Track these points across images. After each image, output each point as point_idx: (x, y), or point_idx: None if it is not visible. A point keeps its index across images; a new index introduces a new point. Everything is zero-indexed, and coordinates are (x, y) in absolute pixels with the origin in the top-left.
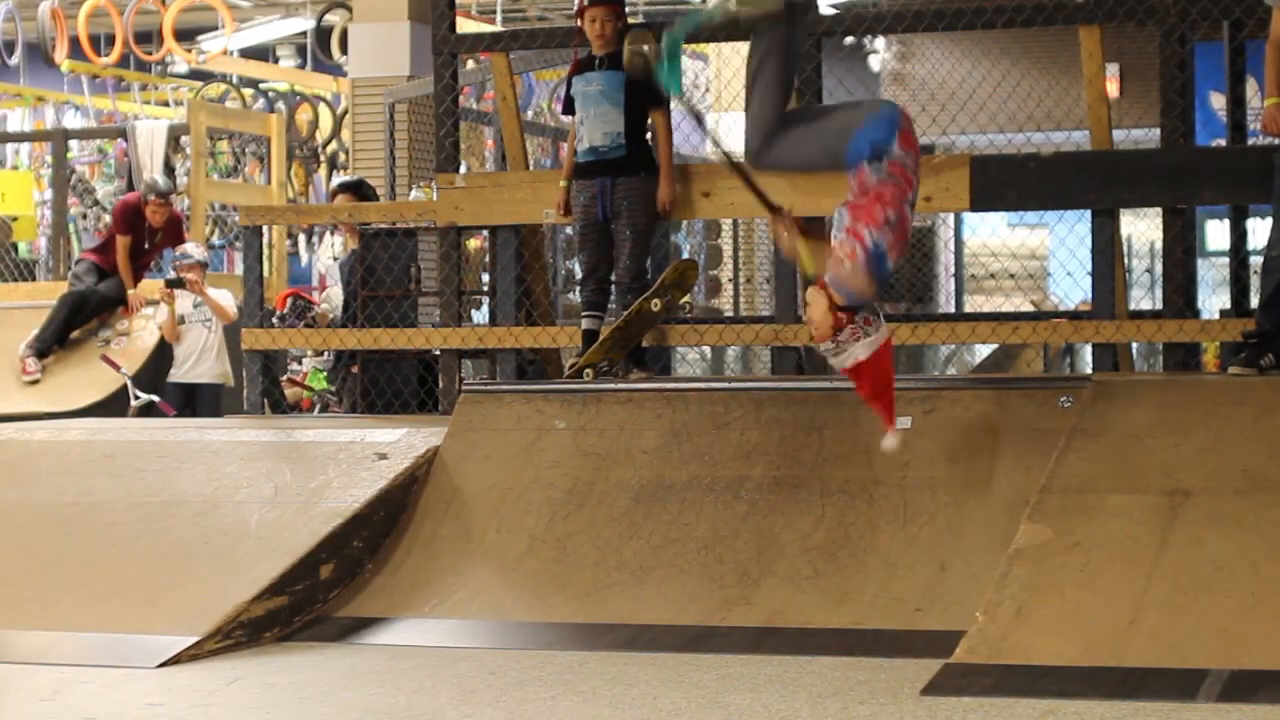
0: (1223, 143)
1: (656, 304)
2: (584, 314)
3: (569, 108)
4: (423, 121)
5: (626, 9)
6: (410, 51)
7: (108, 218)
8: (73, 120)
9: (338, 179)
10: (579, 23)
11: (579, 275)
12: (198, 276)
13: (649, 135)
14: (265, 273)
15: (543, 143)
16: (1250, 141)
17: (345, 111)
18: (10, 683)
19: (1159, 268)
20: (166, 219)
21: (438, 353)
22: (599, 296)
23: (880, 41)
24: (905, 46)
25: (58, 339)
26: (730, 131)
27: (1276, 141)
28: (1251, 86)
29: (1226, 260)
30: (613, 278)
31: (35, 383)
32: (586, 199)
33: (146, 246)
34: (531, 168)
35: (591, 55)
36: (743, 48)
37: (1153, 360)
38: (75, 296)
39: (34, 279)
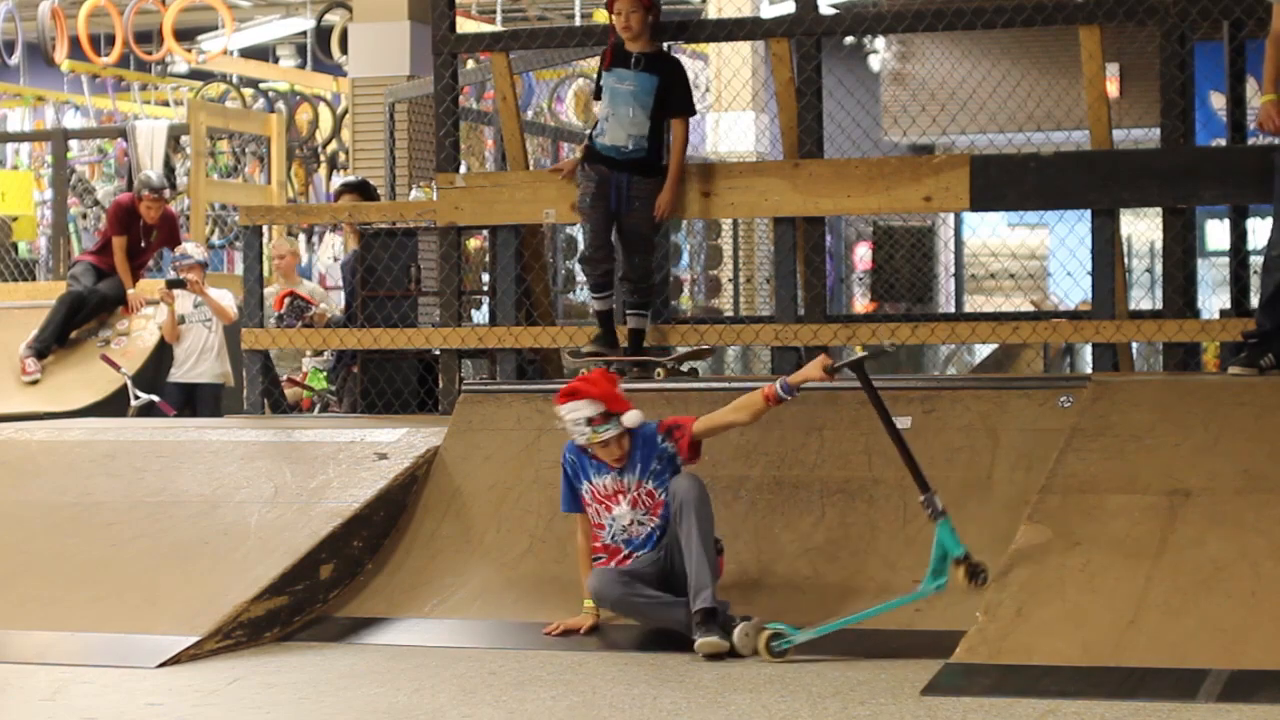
0: (1223, 143)
1: (660, 373)
2: (594, 296)
3: (600, 94)
4: (423, 121)
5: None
6: (410, 51)
7: None
8: (73, 120)
9: (339, 178)
10: (610, 15)
11: (579, 275)
12: (198, 277)
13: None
14: (265, 273)
15: (543, 143)
16: (1250, 141)
17: (345, 111)
18: (10, 683)
19: (1159, 268)
20: (160, 216)
21: (438, 353)
22: (604, 279)
23: (880, 41)
24: (905, 46)
25: (57, 339)
26: (729, 131)
27: (1276, 141)
28: (1251, 86)
29: (1226, 260)
30: (619, 275)
31: (35, 383)
32: (600, 182)
33: (143, 245)
34: (531, 167)
35: (626, 50)
36: (742, 47)
37: (1153, 360)
38: (73, 297)
39: (34, 279)
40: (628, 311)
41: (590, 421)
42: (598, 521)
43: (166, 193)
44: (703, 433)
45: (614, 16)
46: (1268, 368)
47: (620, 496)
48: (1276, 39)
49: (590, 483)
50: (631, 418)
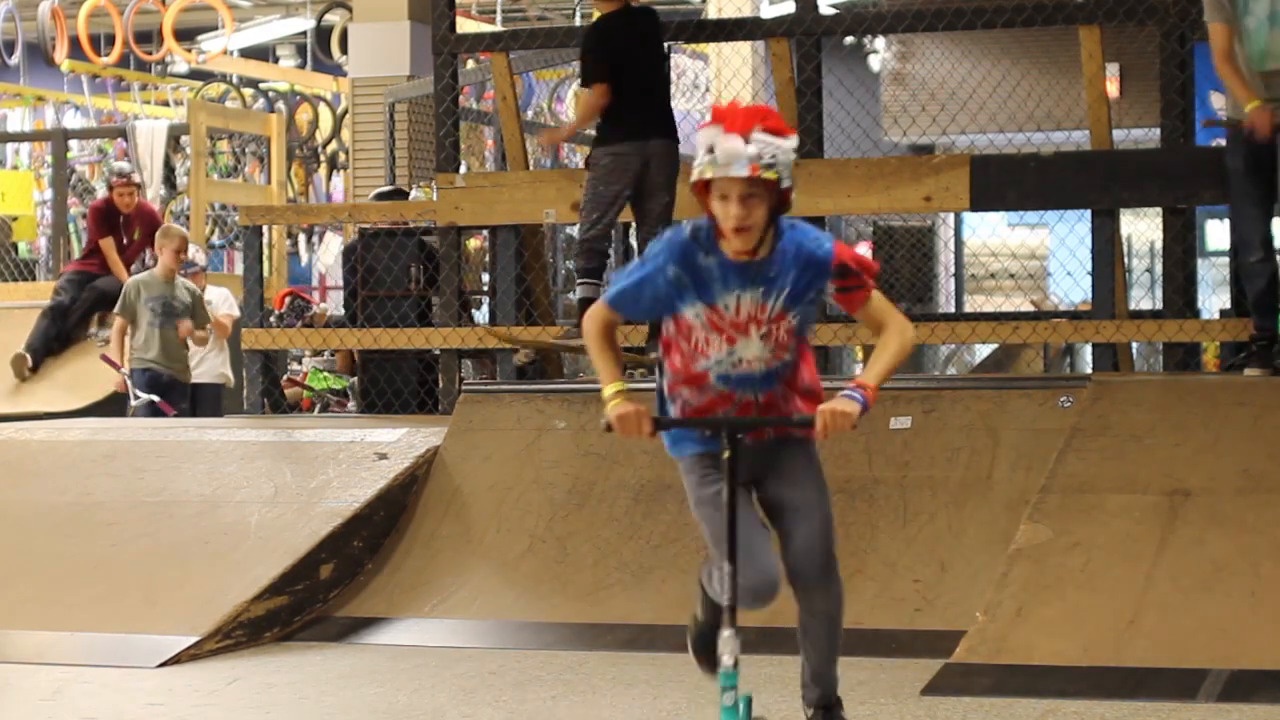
0: (1223, 143)
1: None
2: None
3: None
4: (423, 121)
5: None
6: (410, 51)
7: None
8: (73, 120)
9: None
10: None
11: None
12: (204, 284)
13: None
14: (265, 273)
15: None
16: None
17: (345, 111)
18: (10, 682)
19: (1159, 267)
20: (137, 208)
21: (438, 352)
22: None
23: (880, 41)
24: (905, 46)
25: (46, 350)
26: None
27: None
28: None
29: (1226, 260)
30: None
31: (25, 378)
32: None
33: (125, 243)
34: (531, 167)
35: None
36: (743, 47)
37: (1153, 360)
38: (54, 308)
39: (34, 279)
40: (578, 280)
41: (710, 150)
42: (700, 348)
43: (136, 177)
44: (863, 315)
45: None
46: None
47: (753, 328)
48: (1224, 55)
49: (711, 304)
50: (748, 149)
